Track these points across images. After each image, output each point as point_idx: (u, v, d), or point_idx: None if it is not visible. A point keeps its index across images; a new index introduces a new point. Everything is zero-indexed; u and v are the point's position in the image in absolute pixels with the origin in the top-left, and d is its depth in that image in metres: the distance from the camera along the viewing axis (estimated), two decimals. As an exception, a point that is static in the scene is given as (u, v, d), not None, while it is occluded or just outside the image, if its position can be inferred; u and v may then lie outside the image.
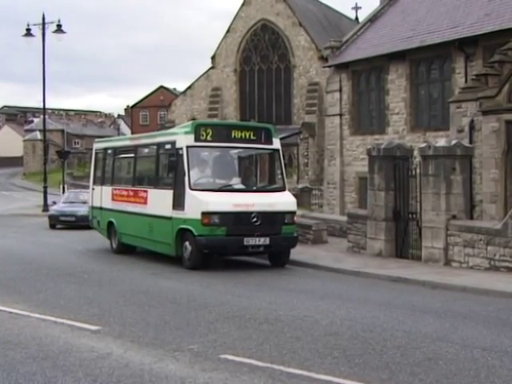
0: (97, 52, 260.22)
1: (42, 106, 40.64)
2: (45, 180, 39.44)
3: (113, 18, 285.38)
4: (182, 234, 15.70)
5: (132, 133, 70.06)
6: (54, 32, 37.48)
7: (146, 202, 17.53)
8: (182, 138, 16.20)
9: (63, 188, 46.24)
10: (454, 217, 15.88)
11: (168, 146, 16.82)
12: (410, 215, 17.18)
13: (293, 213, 16.22)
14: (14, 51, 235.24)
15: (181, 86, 79.40)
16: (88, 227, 23.12)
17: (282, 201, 16.15)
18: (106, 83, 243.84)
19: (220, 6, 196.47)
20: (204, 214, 15.16)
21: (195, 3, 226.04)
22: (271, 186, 17.05)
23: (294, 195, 18.05)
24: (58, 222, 28.39)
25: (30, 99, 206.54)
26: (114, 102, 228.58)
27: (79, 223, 27.19)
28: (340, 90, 29.99)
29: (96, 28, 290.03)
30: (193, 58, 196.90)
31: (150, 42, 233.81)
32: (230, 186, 16.27)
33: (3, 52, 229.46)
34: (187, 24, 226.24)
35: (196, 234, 15.22)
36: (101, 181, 20.60)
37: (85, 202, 26.64)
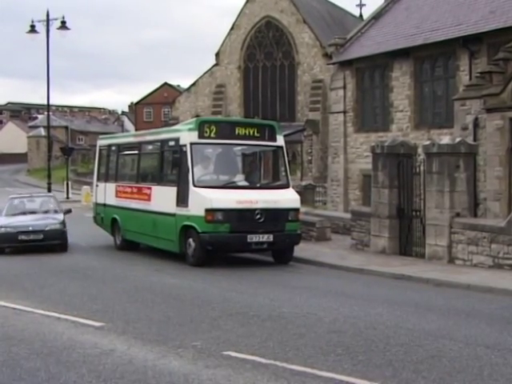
0: (104, 48, 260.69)
1: (46, 103, 40.69)
2: (49, 176, 39.52)
3: (121, 15, 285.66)
4: (186, 231, 15.70)
5: (136, 129, 70.09)
6: (58, 29, 37.50)
7: (149, 199, 17.55)
8: (186, 134, 16.20)
9: (67, 184, 46.33)
10: (457, 214, 15.86)
11: (172, 143, 16.83)
12: (414, 213, 17.16)
13: (296, 210, 16.22)
14: (21, 47, 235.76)
15: (185, 83, 79.48)
16: (62, 248, 18.70)
17: (286, 198, 16.14)
18: (112, 80, 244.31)
19: (229, 2, 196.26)
20: (208, 210, 15.16)
21: (203, 0, 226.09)
22: (275, 182, 17.04)
23: (298, 192, 18.05)
24: (15, 242, 18.67)
25: (36, 95, 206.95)
26: (121, 98, 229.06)
27: (49, 242, 18.68)
28: (344, 87, 29.96)
29: (104, 24, 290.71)
30: (200, 54, 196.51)
31: (158, 39, 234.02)
32: (234, 182, 16.27)
33: (10, 48, 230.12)
34: (196, 21, 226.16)
35: (200, 230, 15.23)
36: (105, 177, 20.62)
37: (47, 212, 20.20)
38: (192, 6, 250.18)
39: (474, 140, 19.25)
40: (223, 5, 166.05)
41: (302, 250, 17.03)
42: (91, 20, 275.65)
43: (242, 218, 15.34)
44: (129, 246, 18.90)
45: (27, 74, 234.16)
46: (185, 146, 16.00)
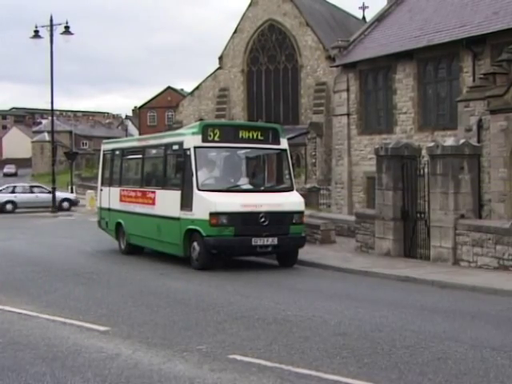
0: (114, 53, 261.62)
1: (50, 108, 40.78)
2: (53, 181, 39.56)
3: (131, 19, 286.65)
4: (190, 235, 15.71)
5: (140, 133, 70.24)
6: (61, 34, 37.60)
7: (153, 203, 17.55)
8: (190, 138, 16.21)
9: (71, 189, 46.42)
10: (462, 216, 15.83)
11: (176, 147, 16.83)
12: (419, 215, 17.13)
13: (301, 213, 16.21)
14: (29, 52, 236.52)
15: (188, 87, 79.68)
16: None
17: (290, 201, 16.13)
18: (120, 84, 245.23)
19: (237, 6, 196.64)
20: (212, 214, 15.16)
21: (213, 4, 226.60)
22: (279, 185, 17.03)
23: (302, 195, 18.04)
24: None
25: (42, 100, 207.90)
26: (129, 102, 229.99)
27: None
28: (347, 90, 29.97)
29: (115, 29, 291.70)
30: (209, 58, 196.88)
31: (167, 43, 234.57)
32: (238, 186, 16.27)
33: (18, 54, 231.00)
34: (204, 24, 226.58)
35: (204, 234, 15.22)
36: (109, 182, 20.63)
37: None
38: (201, 9, 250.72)
39: (478, 141, 19.23)
40: (232, 7, 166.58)
41: (306, 252, 17.03)
42: (102, 25, 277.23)
43: (247, 221, 15.33)
44: (133, 251, 18.90)
45: (34, 79, 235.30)
46: (189, 149, 16.01)
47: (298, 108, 51.55)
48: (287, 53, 51.74)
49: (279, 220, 15.67)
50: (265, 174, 17.46)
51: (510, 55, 19.06)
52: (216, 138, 16.11)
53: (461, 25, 24.94)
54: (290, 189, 16.73)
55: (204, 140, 16.01)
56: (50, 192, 38.94)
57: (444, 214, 15.91)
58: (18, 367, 7.38)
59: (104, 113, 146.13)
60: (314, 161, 45.86)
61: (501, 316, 10.56)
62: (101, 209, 21.09)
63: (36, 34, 37.85)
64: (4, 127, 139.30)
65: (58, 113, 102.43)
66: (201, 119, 46.66)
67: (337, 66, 31.85)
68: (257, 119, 48.81)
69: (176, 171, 16.61)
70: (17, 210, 39.33)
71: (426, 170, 16.76)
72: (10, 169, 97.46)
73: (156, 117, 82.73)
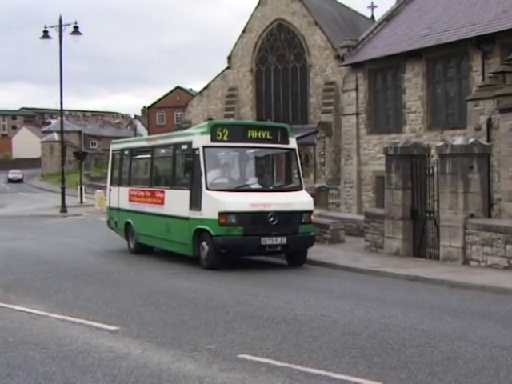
0: (123, 52, 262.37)
1: (59, 108, 40.91)
2: (62, 181, 39.66)
3: (143, 19, 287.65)
4: (199, 234, 15.72)
5: (149, 133, 70.30)
6: (70, 34, 37.67)
7: (162, 203, 17.58)
8: (199, 138, 16.22)
9: (81, 189, 46.57)
10: (471, 215, 15.78)
11: (184, 147, 16.85)
12: (428, 214, 17.09)
13: (310, 212, 16.20)
14: (42, 53, 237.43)
15: (197, 86, 79.85)
16: None
17: (299, 200, 16.13)
18: (130, 83, 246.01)
19: (248, 5, 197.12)
20: (221, 214, 15.16)
21: (223, 3, 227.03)
22: (288, 185, 17.03)
23: (311, 194, 18.02)
24: None
25: (52, 100, 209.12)
26: (137, 102, 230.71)
27: None
28: (356, 89, 29.94)
29: (124, 28, 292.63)
30: (217, 57, 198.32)
31: (177, 42, 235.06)
32: (247, 185, 16.27)
33: (30, 54, 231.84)
34: (216, 23, 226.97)
35: (213, 234, 15.23)
36: (118, 181, 20.67)
37: None
38: (211, 8, 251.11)
39: (488, 140, 19.17)
40: (243, 6, 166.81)
41: (315, 252, 17.01)
42: (112, 24, 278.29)
43: (256, 220, 15.33)
44: (143, 250, 18.94)
45: (44, 79, 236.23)
46: (197, 149, 16.02)
47: (306, 107, 51.47)
48: (296, 52, 51.67)
49: (288, 219, 15.67)
50: (274, 173, 17.46)
51: (519, 54, 19.00)
52: (225, 138, 16.11)
53: (470, 23, 24.87)
54: (298, 188, 16.73)
55: (213, 140, 16.01)
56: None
57: (453, 213, 15.87)
58: (29, 366, 7.41)
59: (113, 113, 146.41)
60: (322, 160, 45.77)
61: (510, 315, 10.52)
62: (110, 208, 21.13)
63: (45, 35, 37.93)
64: (14, 127, 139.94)
65: (67, 113, 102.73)
66: (210, 119, 46.67)
67: (345, 66, 31.83)
68: (266, 119, 48.79)
69: (185, 171, 16.64)
70: None
71: (435, 169, 16.72)
72: (15, 174, 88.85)
73: (165, 116, 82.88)
